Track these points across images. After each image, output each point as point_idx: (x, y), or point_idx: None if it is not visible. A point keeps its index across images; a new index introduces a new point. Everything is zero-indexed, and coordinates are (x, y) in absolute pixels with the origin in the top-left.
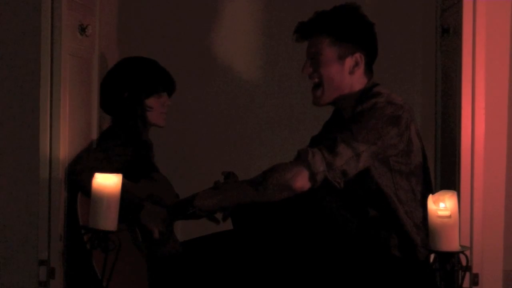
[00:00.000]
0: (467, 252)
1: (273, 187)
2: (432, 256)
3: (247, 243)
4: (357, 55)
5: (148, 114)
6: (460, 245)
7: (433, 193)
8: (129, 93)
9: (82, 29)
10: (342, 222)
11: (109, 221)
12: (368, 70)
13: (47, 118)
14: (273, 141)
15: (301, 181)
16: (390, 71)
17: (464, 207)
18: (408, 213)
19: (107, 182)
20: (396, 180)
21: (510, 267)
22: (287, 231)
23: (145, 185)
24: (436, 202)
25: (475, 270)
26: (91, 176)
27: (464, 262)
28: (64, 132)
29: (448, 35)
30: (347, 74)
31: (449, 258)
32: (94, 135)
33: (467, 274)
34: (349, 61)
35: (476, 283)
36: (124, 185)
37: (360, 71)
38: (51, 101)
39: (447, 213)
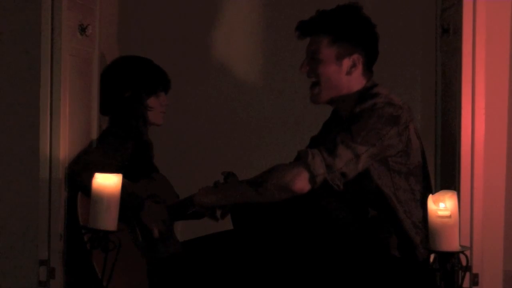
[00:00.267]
0: (467, 252)
1: (273, 188)
2: (432, 256)
3: (247, 243)
4: (355, 56)
5: (149, 114)
6: (460, 245)
7: (432, 193)
8: (131, 92)
9: (82, 29)
10: (341, 222)
11: (109, 221)
12: (367, 71)
13: (47, 118)
14: (273, 141)
15: (301, 183)
16: (390, 71)
17: (464, 207)
18: (407, 213)
19: (107, 182)
20: (395, 180)
21: (510, 267)
22: (287, 231)
23: (145, 185)
24: (436, 202)
25: (475, 270)
26: (91, 176)
27: (464, 262)
28: (64, 132)
29: (448, 35)
30: (344, 75)
31: (449, 258)
32: (94, 135)
33: (467, 274)
34: (346, 62)
35: (476, 283)
36: (124, 185)
37: (357, 72)
38: (51, 101)
39: (447, 213)
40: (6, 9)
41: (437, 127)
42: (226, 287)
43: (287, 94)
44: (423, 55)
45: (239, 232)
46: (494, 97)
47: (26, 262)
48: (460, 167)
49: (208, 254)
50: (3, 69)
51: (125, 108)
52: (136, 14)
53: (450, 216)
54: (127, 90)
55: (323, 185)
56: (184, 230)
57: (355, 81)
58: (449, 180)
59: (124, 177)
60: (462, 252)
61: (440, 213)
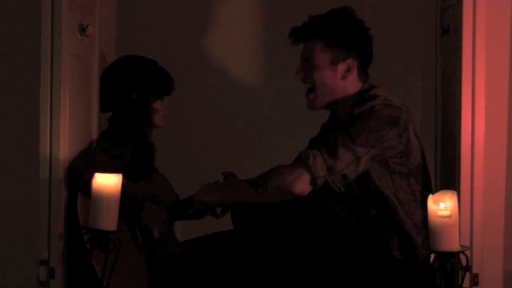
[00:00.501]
0: (467, 252)
1: (273, 189)
2: (432, 256)
3: (247, 243)
4: (349, 60)
5: (154, 117)
6: (460, 245)
7: (433, 193)
8: (137, 95)
9: (82, 29)
10: (342, 222)
11: (109, 221)
12: (363, 74)
13: (47, 118)
14: (273, 141)
15: (302, 186)
16: (390, 72)
17: (464, 207)
18: (408, 214)
19: (107, 182)
20: (396, 181)
21: (510, 267)
22: (287, 231)
23: (145, 185)
24: (436, 202)
25: (475, 270)
26: (91, 176)
27: (464, 262)
28: (64, 132)
29: (448, 35)
30: (339, 79)
31: (449, 258)
32: (94, 135)
33: (467, 274)
34: (341, 67)
35: (476, 283)
36: (124, 185)
37: (352, 76)
38: (51, 101)
39: (447, 213)
40: (6, 9)
41: (437, 127)
42: (226, 287)
43: (287, 95)
44: (423, 55)
45: (239, 232)
46: (494, 97)
47: (26, 262)
48: (460, 167)
49: (208, 254)
50: (3, 69)
51: (130, 109)
52: (135, 14)
53: (450, 216)
54: (134, 92)
55: (323, 186)
56: (184, 230)
57: (350, 85)
58: (449, 180)
59: (124, 177)
60: (462, 252)
61: (440, 213)
